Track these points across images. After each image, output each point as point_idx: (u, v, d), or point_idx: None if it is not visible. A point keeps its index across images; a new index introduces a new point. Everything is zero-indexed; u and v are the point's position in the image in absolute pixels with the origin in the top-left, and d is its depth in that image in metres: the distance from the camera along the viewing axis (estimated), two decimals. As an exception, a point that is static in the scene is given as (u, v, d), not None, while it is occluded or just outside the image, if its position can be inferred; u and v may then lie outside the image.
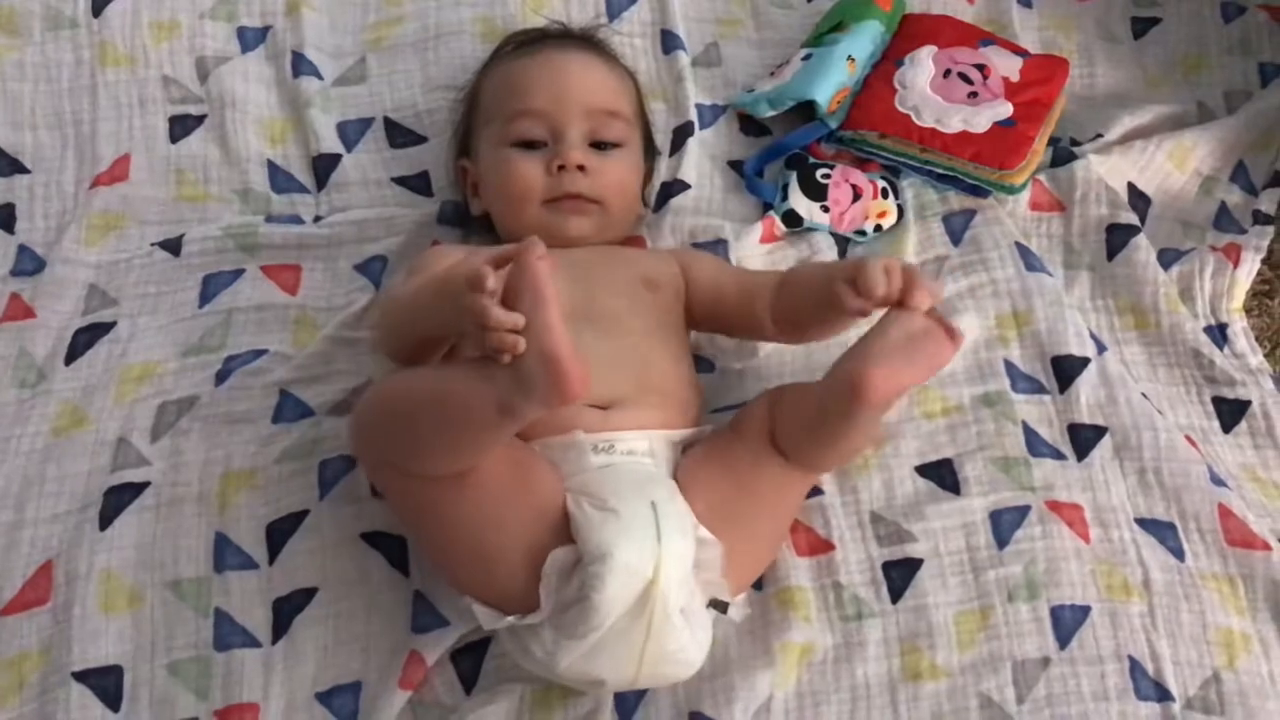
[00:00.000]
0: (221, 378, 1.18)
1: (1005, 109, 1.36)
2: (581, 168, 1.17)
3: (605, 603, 0.90)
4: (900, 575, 1.11)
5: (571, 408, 1.00)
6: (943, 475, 1.17)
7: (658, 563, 0.91)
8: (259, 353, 1.20)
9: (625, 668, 0.95)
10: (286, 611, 1.06)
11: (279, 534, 1.09)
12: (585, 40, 1.30)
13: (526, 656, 0.98)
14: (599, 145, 1.20)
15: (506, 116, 1.20)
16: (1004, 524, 1.14)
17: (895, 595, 1.10)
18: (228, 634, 1.05)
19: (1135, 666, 1.07)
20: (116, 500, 1.10)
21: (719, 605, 0.99)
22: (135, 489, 1.11)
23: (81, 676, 1.02)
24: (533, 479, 0.98)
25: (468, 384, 0.91)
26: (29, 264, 1.27)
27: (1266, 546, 1.13)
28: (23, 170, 1.32)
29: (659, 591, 0.91)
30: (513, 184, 1.18)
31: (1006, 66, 1.41)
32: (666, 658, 0.95)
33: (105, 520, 1.09)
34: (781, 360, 1.24)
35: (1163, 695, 1.06)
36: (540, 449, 1.02)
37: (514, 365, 0.88)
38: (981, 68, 1.40)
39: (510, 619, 0.96)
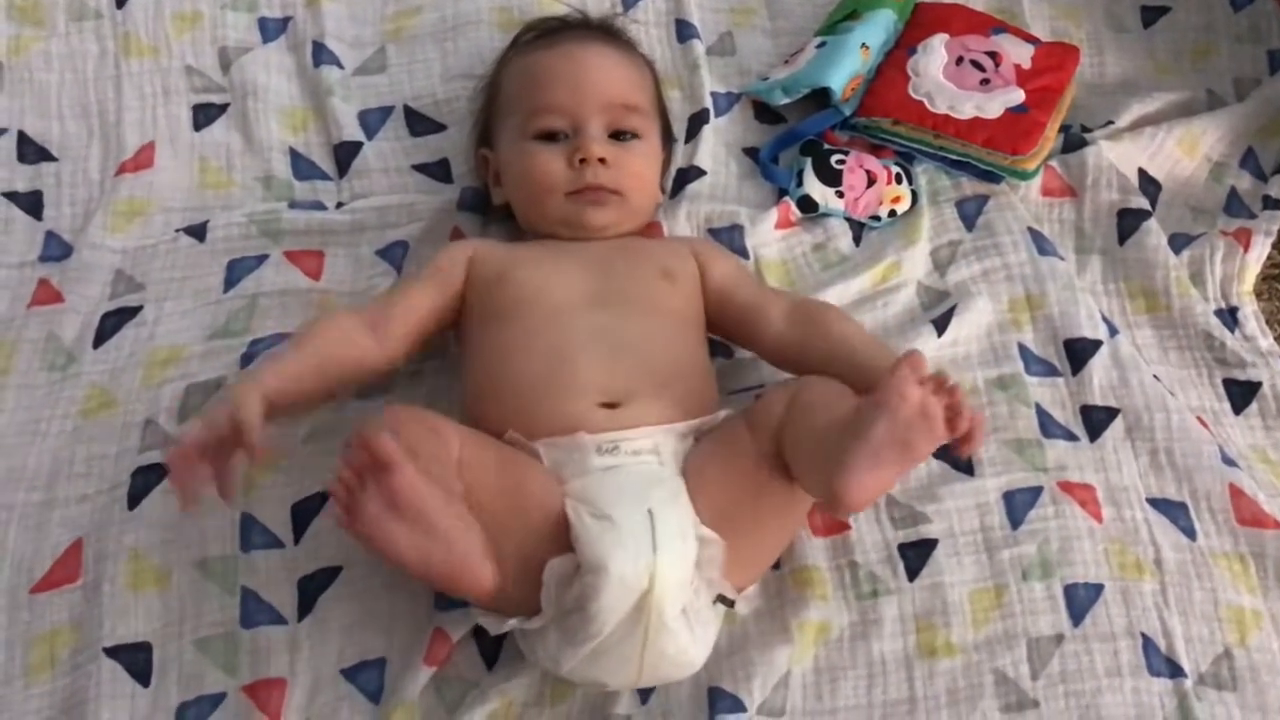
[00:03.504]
0: (246, 360, 1.19)
1: (1017, 95, 1.37)
2: (602, 160, 1.17)
3: (601, 613, 0.93)
4: (915, 555, 1.11)
5: (579, 406, 1.04)
6: (956, 457, 1.17)
7: (653, 573, 0.93)
8: (283, 336, 1.21)
9: (626, 671, 0.97)
10: (311, 590, 1.07)
11: (304, 514, 1.10)
12: (604, 31, 1.30)
13: (533, 655, 1.00)
14: (618, 135, 1.21)
15: (527, 110, 1.20)
16: (1017, 504, 1.14)
17: (911, 574, 1.10)
18: (254, 611, 1.06)
19: (1148, 643, 1.08)
20: (144, 481, 1.11)
21: (725, 601, 1.00)
22: (162, 470, 1.12)
23: (112, 652, 1.03)
24: (526, 490, 0.99)
25: None
26: (56, 250, 1.28)
27: (1277, 525, 1.14)
28: (50, 158, 1.34)
29: (654, 601, 0.93)
30: (535, 177, 1.19)
31: (1018, 54, 1.42)
32: (666, 660, 0.97)
33: (133, 500, 1.10)
34: (796, 344, 1.25)
35: (1175, 671, 1.07)
36: (544, 448, 1.03)
37: None
38: (993, 55, 1.41)
39: (512, 622, 0.98)
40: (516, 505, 0.96)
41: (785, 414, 1.03)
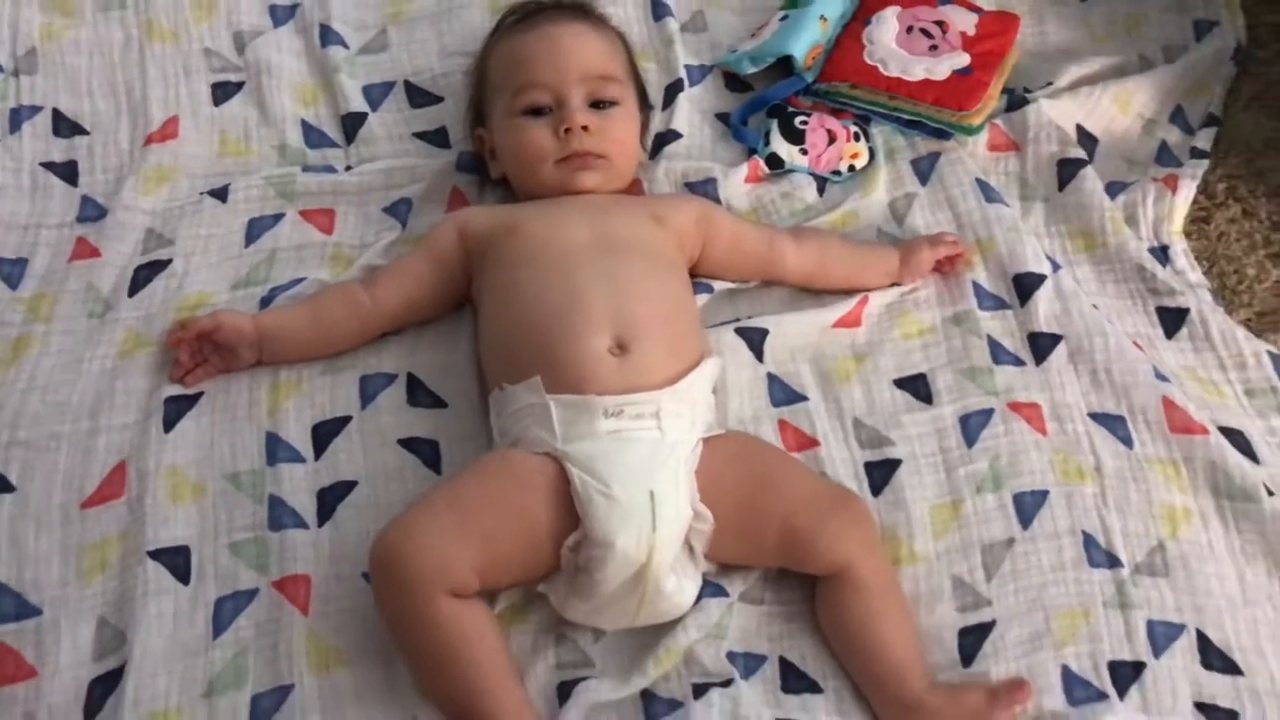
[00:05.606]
0: (265, 304, 1.29)
1: (963, 59, 1.49)
2: (585, 128, 1.29)
3: (604, 580, 1.05)
4: (880, 474, 1.21)
5: (594, 345, 1.13)
6: (917, 388, 1.28)
7: (651, 549, 1.05)
8: (300, 280, 1.31)
9: (623, 619, 1.10)
10: (330, 500, 1.17)
11: (324, 434, 1.21)
12: (576, 9, 1.40)
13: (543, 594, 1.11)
14: (598, 105, 1.32)
15: (514, 89, 1.31)
16: (971, 426, 1.24)
17: (875, 490, 1.20)
18: (280, 515, 1.15)
19: (1089, 540, 1.16)
20: (176, 408, 1.21)
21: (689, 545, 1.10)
22: (191, 399, 1.22)
23: (155, 555, 1.12)
24: (522, 484, 1.09)
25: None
26: (92, 211, 1.38)
27: (1205, 431, 1.22)
28: (82, 132, 1.44)
29: (651, 571, 1.05)
30: (527, 149, 1.30)
31: (964, 22, 1.54)
32: (659, 611, 1.09)
33: (168, 425, 1.20)
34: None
35: (1113, 563, 1.15)
36: (555, 405, 1.10)
37: None
38: (941, 24, 1.53)
39: (541, 588, 1.10)
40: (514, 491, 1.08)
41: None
